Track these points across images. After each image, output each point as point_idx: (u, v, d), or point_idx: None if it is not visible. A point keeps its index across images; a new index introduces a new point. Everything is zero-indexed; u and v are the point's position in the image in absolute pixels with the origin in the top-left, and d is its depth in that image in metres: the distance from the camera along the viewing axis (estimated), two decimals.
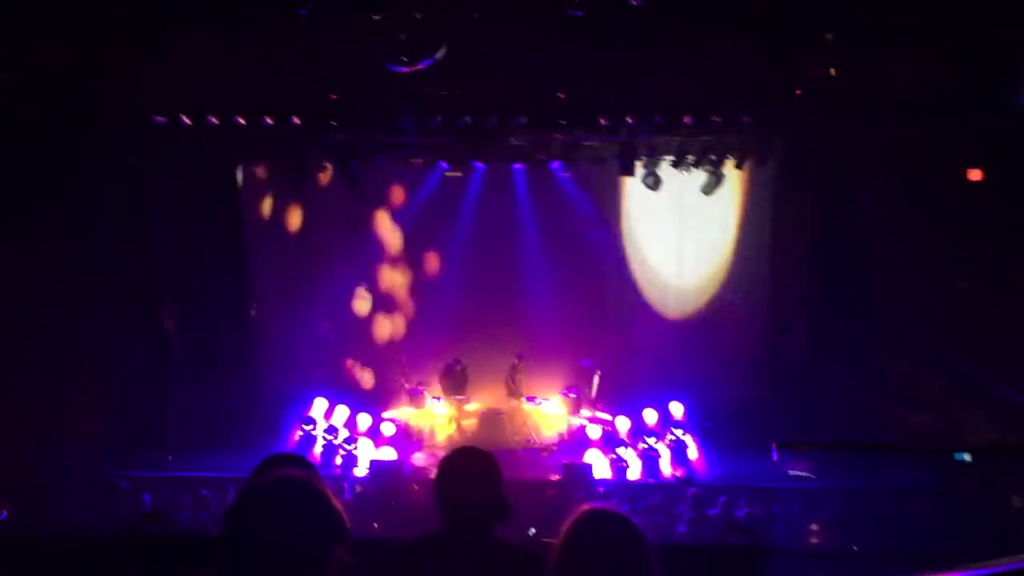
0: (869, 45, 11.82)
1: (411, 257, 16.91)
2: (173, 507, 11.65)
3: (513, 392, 15.65)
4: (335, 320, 16.64)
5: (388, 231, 16.80)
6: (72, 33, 11.25)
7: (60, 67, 12.15)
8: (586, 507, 2.77)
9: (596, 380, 16.03)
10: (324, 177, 15.66)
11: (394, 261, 16.91)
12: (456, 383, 15.58)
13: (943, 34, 11.11)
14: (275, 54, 12.75)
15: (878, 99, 12.30)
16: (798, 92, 12.61)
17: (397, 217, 16.75)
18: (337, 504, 2.30)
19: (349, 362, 16.79)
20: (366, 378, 16.78)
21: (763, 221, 15.75)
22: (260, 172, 16.20)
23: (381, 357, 16.82)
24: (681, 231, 16.17)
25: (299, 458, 3.15)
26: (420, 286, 16.90)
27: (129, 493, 12.17)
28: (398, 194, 16.67)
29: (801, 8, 10.39)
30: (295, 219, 16.44)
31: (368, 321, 16.94)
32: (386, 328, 16.93)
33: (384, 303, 16.96)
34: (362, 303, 16.70)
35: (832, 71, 12.21)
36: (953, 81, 11.59)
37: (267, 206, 16.50)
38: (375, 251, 16.82)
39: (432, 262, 16.83)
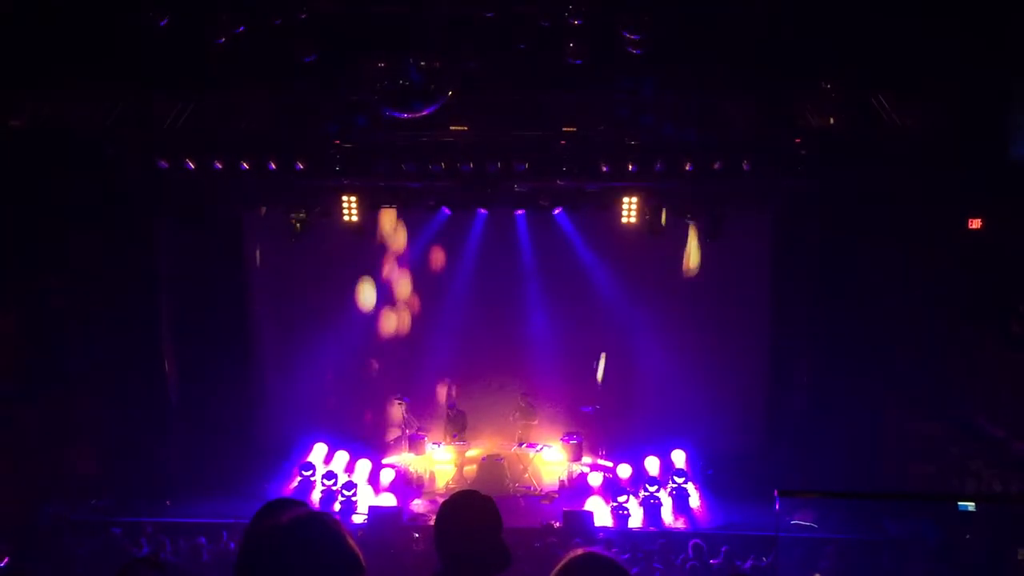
0: (867, 94, 11.96)
1: (413, 304, 16.89)
2: (169, 553, 11.56)
3: (521, 434, 15.58)
4: (337, 365, 16.61)
5: (390, 282, 16.82)
6: (77, 83, 11.42)
7: (65, 114, 12.32)
8: (578, 551, 2.75)
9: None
10: (328, 231, 15.72)
11: (396, 309, 16.90)
12: (455, 427, 15.49)
13: (941, 84, 11.25)
14: (279, 100, 12.92)
15: (877, 147, 12.41)
16: (797, 140, 12.73)
17: (399, 267, 16.77)
18: (353, 543, 2.30)
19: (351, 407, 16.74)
20: (367, 423, 16.71)
21: (763, 268, 15.79)
22: (264, 221, 16.24)
23: (382, 402, 16.77)
24: (682, 277, 16.18)
25: (301, 503, 3.13)
26: (422, 334, 16.86)
27: (124, 538, 12.06)
28: (400, 248, 16.72)
29: (800, 57, 10.52)
30: (298, 271, 16.43)
31: (370, 371, 16.94)
32: (386, 380, 16.90)
33: (385, 351, 16.94)
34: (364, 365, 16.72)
35: (831, 120, 12.34)
36: (952, 130, 11.71)
37: (270, 257, 16.55)
38: (378, 301, 16.81)
39: (434, 309, 16.81)
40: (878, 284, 14.19)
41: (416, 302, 16.87)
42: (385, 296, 16.77)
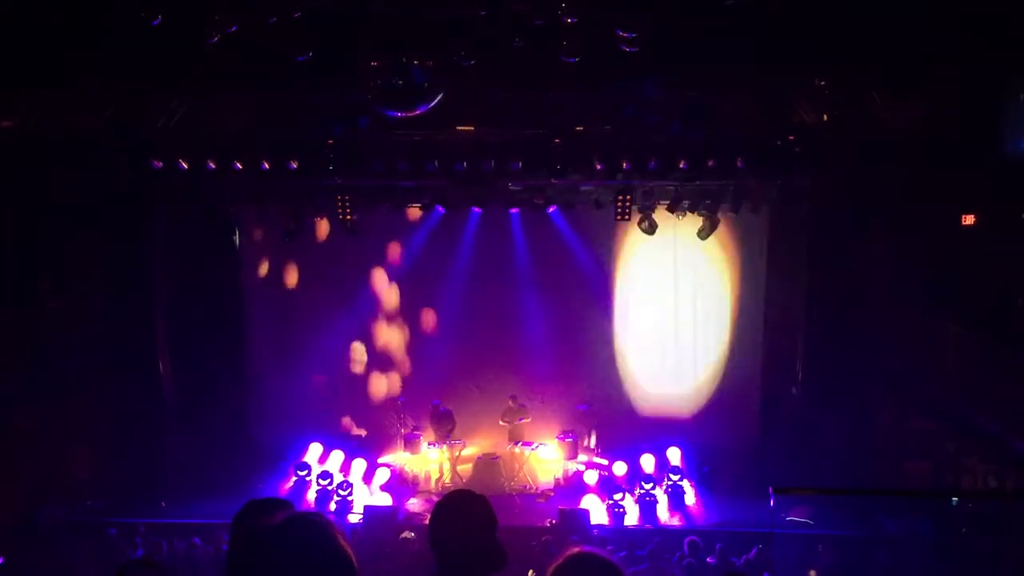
0: (861, 91, 11.96)
1: (408, 303, 16.87)
2: (164, 554, 11.53)
3: (511, 435, 15.53)
4: (330, 370, 16.61)
5: (384, 282, 16.78)
6: (74, 83, 11.39)
7: (63, 114, 12.28)
8: (574, 550, 2.75)
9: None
10: (322, 230, 15.70)
11: (391, 309, 16.86)
12: (441, 424, 15.46)
13: (937, 82, 11.25)
14: (273, 100, 12.90)
15: (871, 144, 12.41)
16: (791, 137, 12.73)
17: (394, 266, 16.76)
18: (345, 544, 2.29)
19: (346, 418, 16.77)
20: (362, 427, 16.71)
21: (758, 266, 15.79)
22: (258, 221, 16.22)
23: (377, 404, 16.77)
24: (676, 275, 16.19)
25: (284, 502, 3.11)
26: (416, 333, 16.84)
27: (120, 539, 12.03)
28: (394, 246, 16.67)
29: (794, 54, 10.52)
30: (292, 272, 16.45)
31: (364, 371, 16.92)
32: (381, 381, 16.91)
33: (379, 352, 16.91)
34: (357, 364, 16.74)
35: (824, 116, 12.34)
36: (948, 128, 11.71)
37: (265, 257, 16.54)
38: (372, 300, 16.79)
39: (428, 308, 16.79)
40: (875, 281, 14.20)
41: (411, 300, 16.85)
42: (380, 294, 16.77)
